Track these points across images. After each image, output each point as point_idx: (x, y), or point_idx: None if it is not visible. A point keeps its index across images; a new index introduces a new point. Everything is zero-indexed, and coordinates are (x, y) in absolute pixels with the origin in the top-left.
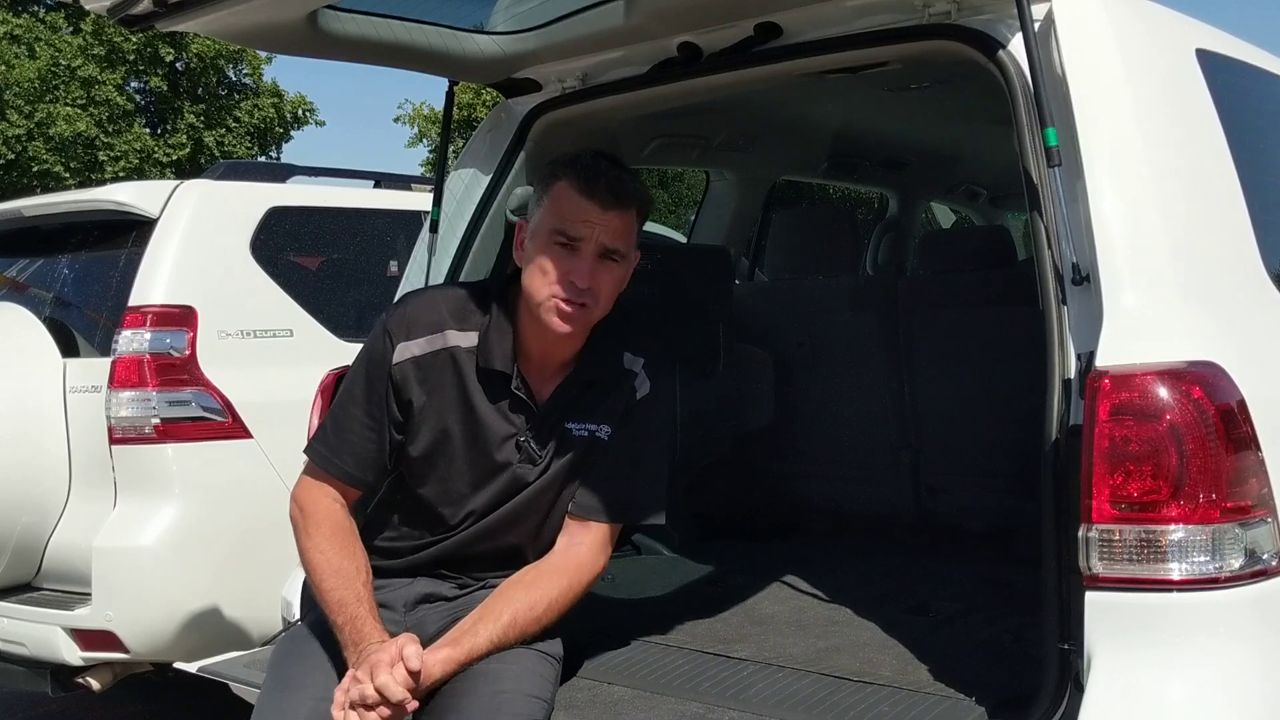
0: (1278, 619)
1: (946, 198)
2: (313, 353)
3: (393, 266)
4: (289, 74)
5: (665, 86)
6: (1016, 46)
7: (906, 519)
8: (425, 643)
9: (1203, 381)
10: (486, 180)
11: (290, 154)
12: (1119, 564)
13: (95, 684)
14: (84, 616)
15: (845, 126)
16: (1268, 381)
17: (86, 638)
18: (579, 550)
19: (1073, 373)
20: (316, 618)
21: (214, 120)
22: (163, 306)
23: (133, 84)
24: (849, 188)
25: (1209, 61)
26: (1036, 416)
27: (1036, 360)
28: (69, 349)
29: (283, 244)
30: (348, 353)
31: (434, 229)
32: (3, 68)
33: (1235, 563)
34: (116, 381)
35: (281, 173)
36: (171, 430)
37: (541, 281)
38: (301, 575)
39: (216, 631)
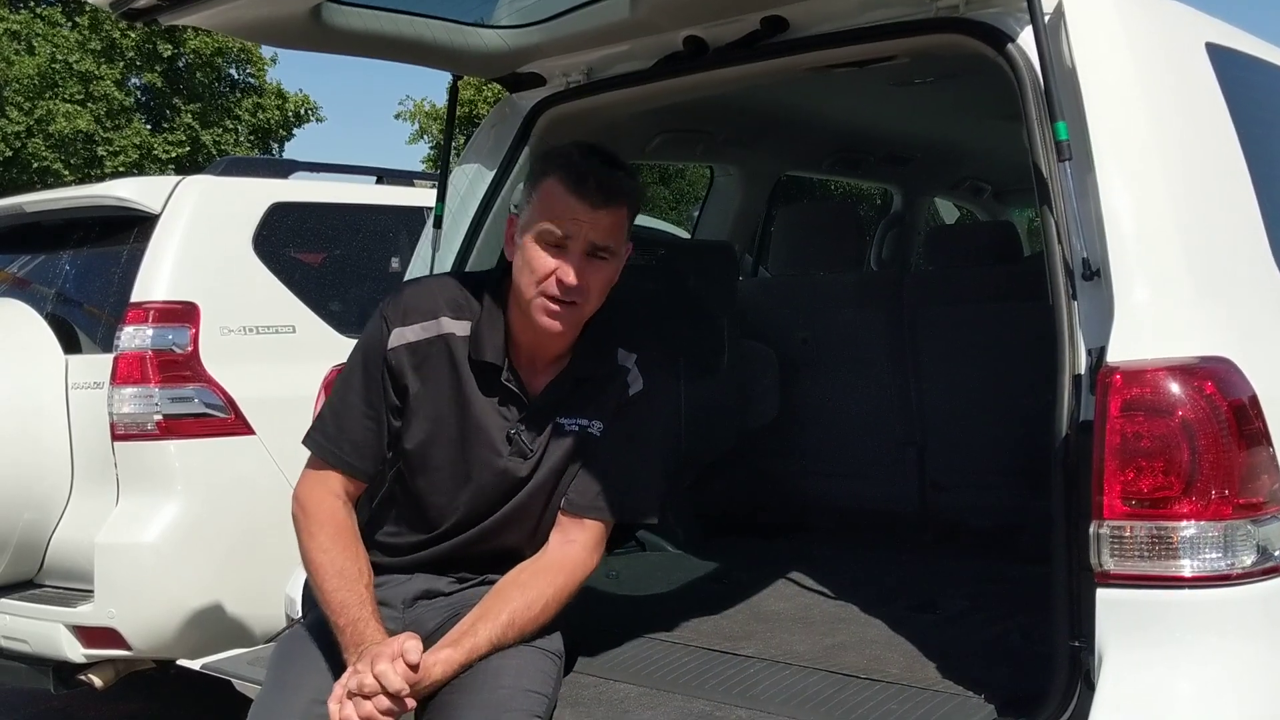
0: None
1: (951, 193)
2: (315, 349)
3: (394, 262)
4: (290, 71)
5: (670, 81)
6: (1026, 40)
7: (911, 516)
8: (424, 639)
9: (1215, 377)
10: (490, 176)
11: (291, 152)
12: (1130, 561)
13: (97, 681)
14: (86, 613)
15: (850, 121)
16: None
17: (89, 635)
18: (572, 549)
19: (1083, 368)
20: (316, 618)
21: (211, 119)
22: (165, 303)
23: (133, 80)
24: (853, 183)
25: (1219, 56)
26: (1042, 413)
27: (1042, 356)
28: (71, 345)
29: (285, 240)
30: (350, 349)
31: (438, 224)
32: (2, 64)
33: (1247, 559)
34: (119, 378)
35: (284, 169)
36: (174, 427)
37: (530, 279)
38: (304, 573)
39: (219, 628)
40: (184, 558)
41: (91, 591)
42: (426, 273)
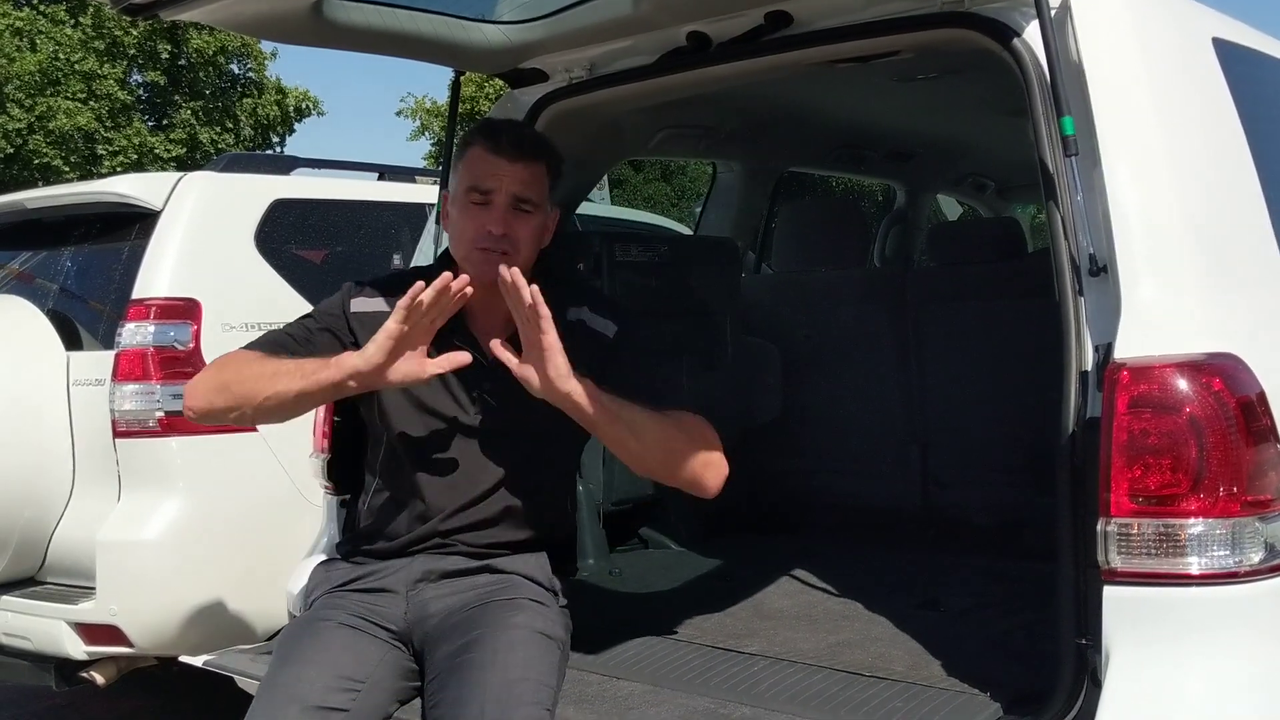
0: None
1: (954, 189)
2: None
3: (396, 259)
4: (290, 69)
5: (674, 76)
6: (1032, 34)
7: (914, 513)
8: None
9: (1223, 373)
10: None
11: (291, 149)
12: (1137, 558)
13: (99, 678)
14: (88, 611)
15: (853, 117)
16: None
17: (90, 632)
18: (682, 415)
19: (1090, 365)
20: (322, 601)
21: (212, 118)
22: (166, 299)
23: (135, 78)
24: (855, 179)
25: (1225, 50)
26: (1046, 410)
27: (1046, 353)
28: (72, 342)
29: (287, 236)
30: None
31: (439, 221)
32: (4, 61)
33: (1255, 557)
34: (120, 375)
35: (285, 165)
36: (175, 423)
37: (464, 238)
38: (307, 568)
39: (221, 625)
40: (186, 555)
41: (93, 589)
42: None
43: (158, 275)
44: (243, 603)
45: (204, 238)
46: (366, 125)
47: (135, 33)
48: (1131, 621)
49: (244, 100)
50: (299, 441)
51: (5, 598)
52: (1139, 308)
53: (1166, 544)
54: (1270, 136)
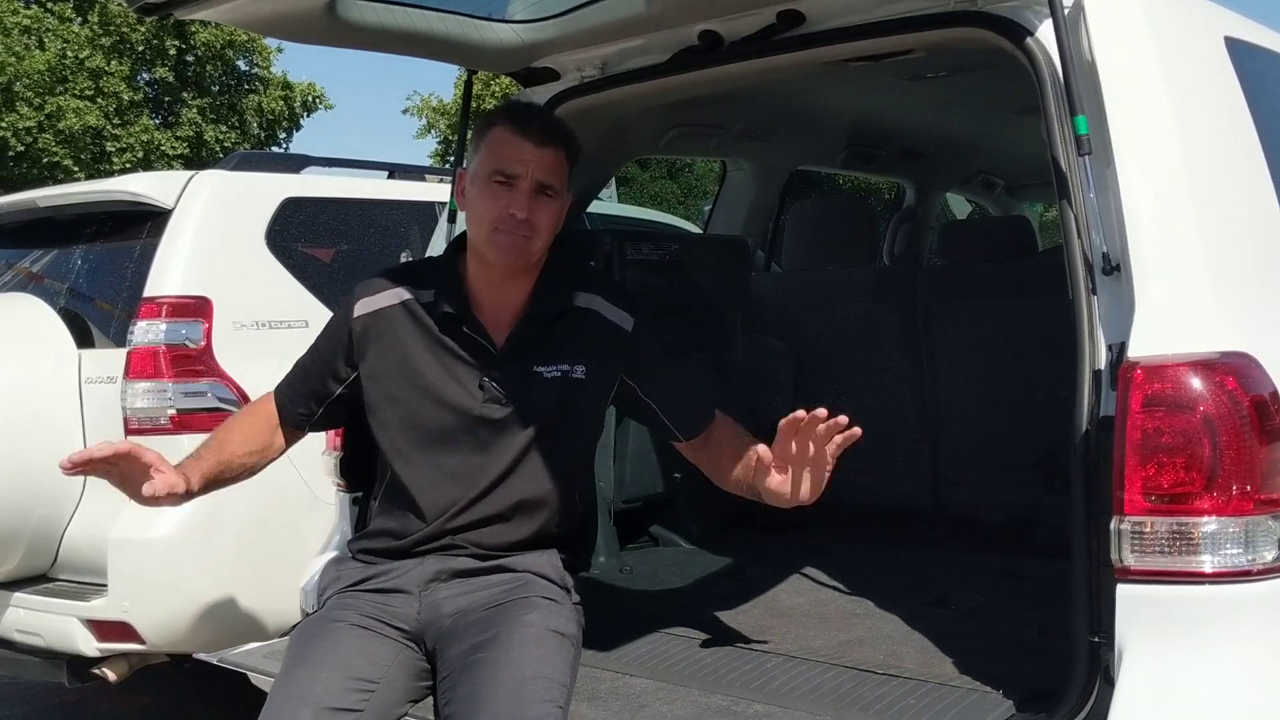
0: None
1: (963, 188)
2: None
3: (406, 257)
4: (296, 67)
5: (685, 75)
6: (1045, 33)
7: (925, 511)
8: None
9: (1236, 372)
10: None
11: (298, 146)
12: (1150, 556)
13: (111, 675)
14: (100, 607)
15: (863, 116)
16: None
17: (102, 629)
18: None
19: (1103, 364)
20: (335, 601)
21: (219, 114)
22: (178, 297)
23: (143, 75)
24: (864, 178)
25: (1238, 50)
26: (1057, 408)
27: (1056, 352)
28: (84, 340)
29: (298, 234)
30: None
31: (452, 219)
32: (13, 60)
33: (1268, 555)
34: (132, 372)
35: (296, 163)
36: (187, 421)
37: (484, 219)
38: (319, 565)
39: (232, 622)
40: (197, 552)
41: (105, 586)
42: None
43: (169, 273)
44: (254, 599)
45: (215, 236)
46: (371, 123)
47: (142, 29)
48: (1145, 619)
49: (250, 96)
50: (311, 438)
51: (17, 595)
52: (1152, 306)
53: (1180, 542)
54: None
